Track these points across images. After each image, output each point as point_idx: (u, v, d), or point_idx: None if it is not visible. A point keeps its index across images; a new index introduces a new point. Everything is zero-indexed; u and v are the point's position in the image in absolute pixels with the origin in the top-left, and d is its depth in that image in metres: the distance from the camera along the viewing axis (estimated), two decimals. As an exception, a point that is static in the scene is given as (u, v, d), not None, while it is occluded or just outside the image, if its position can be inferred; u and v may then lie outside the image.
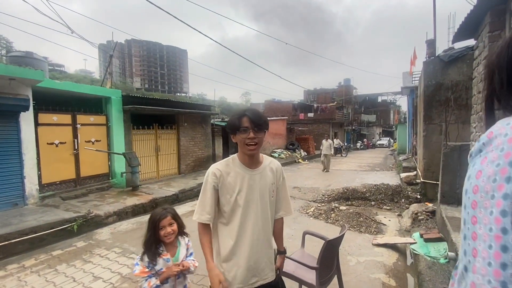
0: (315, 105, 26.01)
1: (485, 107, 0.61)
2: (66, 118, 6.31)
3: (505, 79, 0.57)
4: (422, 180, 6.15)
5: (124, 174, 7.08)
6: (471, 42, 5.18)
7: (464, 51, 5.73)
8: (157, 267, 1.69)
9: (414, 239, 3.77)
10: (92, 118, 6.87)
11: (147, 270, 1.68)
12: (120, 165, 7.21)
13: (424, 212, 4.87)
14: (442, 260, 3.10)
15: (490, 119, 0.59)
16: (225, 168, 1.42)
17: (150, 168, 8.45)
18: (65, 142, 6.25)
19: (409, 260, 3.48)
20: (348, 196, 6.46)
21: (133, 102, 7.62)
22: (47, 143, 5.88)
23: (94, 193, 6.54)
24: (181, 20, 7.85)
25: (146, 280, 1.67)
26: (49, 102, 6.06)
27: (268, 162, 1.51)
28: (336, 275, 2.46)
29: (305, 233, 2.77)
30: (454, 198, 4.41)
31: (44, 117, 5.82)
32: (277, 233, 1.61)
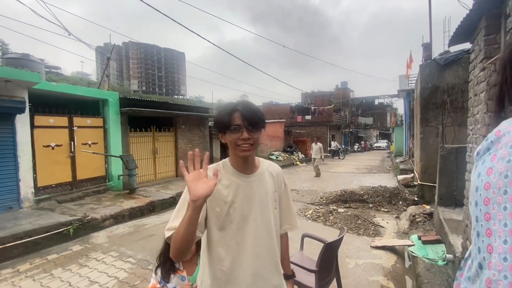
0: (313, 108, 26.10)
1: (496, 102, 0.62)
2: (63, 120, 6.26)
3: None
4: (419, 182, 6.17)
5: (121, 177, 7.03)
6: (466, 45, 5.25)
7: (460, 54, 5.79)
8: (170, 285, 1.52)
9: (412, 242, 3.77)
10: (89, 121, 6.83)
11: (158, 286, 1.52)
12: (117, 167, 7.16)
13: (421, 214, 4.89)
14: (440, 262, 3.11)
15: (499, 115, 0.60)
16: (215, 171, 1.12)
17: (147, 171, 8.40)
18: (62, 145, 6.20)
19: (408, 263, 3.48)
20: (346, 198, 6.46)
21: (131, 104, 7.59)
22: (43, 146, 5.83)
23: (91, 196, 6.48)
24: (178, 23, 7.86)
25: None
26: (46, 104, 6.02)
27: (266, 166, 1.20)
28: (335, 278, 2.46)
29: (304, 236, 2.76)
30: (451, 200, 4.43)
31: (40, 119, 5.77)
32: (282, 253, 1.25)
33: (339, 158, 19.91)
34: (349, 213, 5.35)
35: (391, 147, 26.33)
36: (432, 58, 6.34)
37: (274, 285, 1.15)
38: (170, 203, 6.48)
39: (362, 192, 6.74)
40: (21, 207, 5.22)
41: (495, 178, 0.53)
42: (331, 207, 5.85)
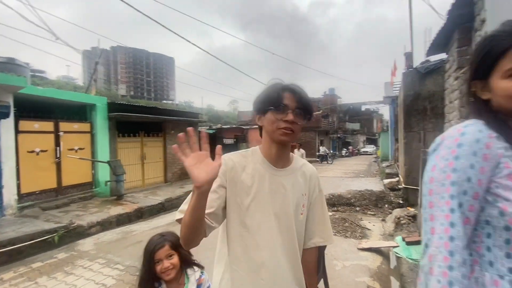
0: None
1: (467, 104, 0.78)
2: (48, 125, 6.13)
3: (472, 77, 0.72)
4: (403, 185, 6.39)
5: (109, 183, 6.91)
6: (445, 55, 5.55)
7: (439, 63, 6.10)
8: None
9: (397, 243, 3.91)
10: (76, 126, 6.71)
11: None
12: (104, 173, 7.04)
13: (406, 217, 5.06)
14: (422, 262, 3.24)
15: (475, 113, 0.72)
16: (241, 159, 0.98)
17: (135, 177, 8.28)
18: (47, 150, 6.06)
19: (393, 263, 3.60)
20: (334, 202, 6.59)
21: (119, 109, 7.52)
22: (28, 151, 5.68)
23: (77, 203, 6.33)
24: (168, 29, 7.90)
25: None
26: (31, 109, 5.89)
27: (300, 165, 1.04)
28: (322, 279, 2.53)
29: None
30: (433, 203, 4.62)
31: (25, 124, 5.64)
32: (309, 270, 1.05)
33: (327, 163, 20.21)
34: (336, 216, 5.47)
35: (377, 152, 26.97)
36: (414, 67, 6.65)
37: None
38: (158, 209, 6.41)
39: (350, 196, 6.90)
40: (4, 215, 5.04)
41: (437, 173, 0.65)
42: (320, 211, 5.95)
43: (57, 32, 7.93)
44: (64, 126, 6.41)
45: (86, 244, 4.43)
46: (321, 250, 2.44)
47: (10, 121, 5.13)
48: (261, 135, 1.02)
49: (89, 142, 7.02)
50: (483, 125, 0.65)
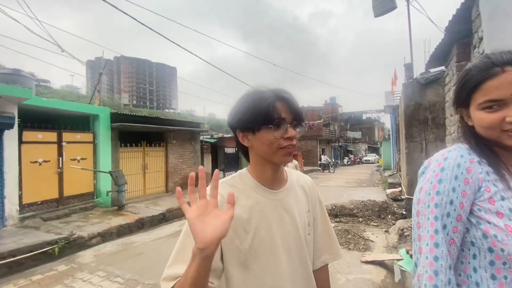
0: (305, 127, 26.52)
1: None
2: (52, 135, 6.18)
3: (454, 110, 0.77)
4: (406, 196, 6.34)
5: (110, 193, 6.90)
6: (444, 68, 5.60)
7: (439, 74, 6.15)
8: None
9: (401, 256, 3.85)
10: (78, 136, 6.76)
11: None
12: (105, 183, 7.04)
13: (410, 228, 5.00)
14: (427, 276, 3.18)
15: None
16: (230, 190, 0.74)
17: (137, 187, 8.27)
18: (49, 161, 6.08)
19: (397, 277, 3.54)
20: (337, 212, 6.53)
21: (122, 119, 7.58)
22: (30, 162, 5.71)
23: (78, 213, 6.31)
24: (171, 40, 8.05)
25: None
26: (35, 119, 5.95)
27: (296, 178, 0.93)
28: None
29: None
30: (436, 214, 4.57)
31: (28, 135, 5.69)
32: None
33: (329, 171, 20.12)
34: (339, 227, 5.40)
35: (379, 161, 26.84)
36: (414, 77, 6.70)
37: None
38: (159, 220, 6.38)
39: (352, 206, 6.84)
40: (5, 225, 5.03)
41: (422, 195, 0.69)
42: (322, 222, 5.89)
43: (62, 43, 8.08)
44: (67, 136, 6.46)
45: (87, 256, 4.39)
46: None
47: (14, 132, 5.18)
48: (245, 156, 0.87)
49: (91, 152, 7.05)
50: (465, 150, 0.69)
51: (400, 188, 8.46)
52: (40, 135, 5.92)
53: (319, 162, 22.71)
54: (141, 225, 5.93)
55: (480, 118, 0.67)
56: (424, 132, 5.71)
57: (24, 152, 5.55)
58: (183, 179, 9.89)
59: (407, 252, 3.89)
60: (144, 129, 8.39)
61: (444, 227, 0.64)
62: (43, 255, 4.21)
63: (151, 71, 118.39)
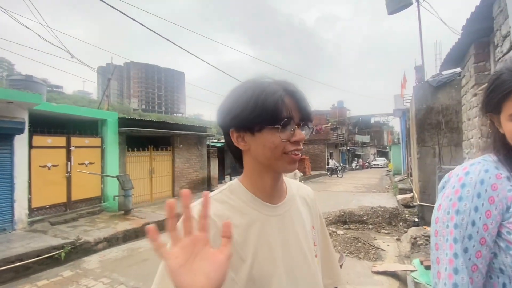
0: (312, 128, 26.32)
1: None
2: (61, 140, 6.26)
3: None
4: (419, 202, 6.12)
5: (117, 198, 6.92)
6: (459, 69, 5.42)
7: (452, 76, 5.97)
8: None
9: (414, 266, 3.68)
10: (87, 141, 6.83)
11: None
12: (113, 188, 7.07)
13: (423, 237, 4.79)
14: (443, 289, 3.01)
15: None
16: (219, 208, 0.64)
17: (143, 191, 8.29)
18: (58, 165, 6.15)
19: (410, 289, 3.37)
20: (346, 219, 6.36)
21: (129, 124, 7.64)
22: (40, 166, 5.78)
23: (85, 218, 6.33)
24: (179, 46, 8.11)
25: None
26: (45, 124, 6.04)
27: (296, 189, 0.79)
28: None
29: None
30: (451, 222, 4.38)
31: (38, 140, 5.77)
32: None
33: (337, 176, 19.83)
34: (348, 235, 5.24)
35: (389, 165, 26.33)
36: (425, 80, 6.52)
37: None
38: (165, 225, 6.33)
39: (362, 213, 6.64)
40: (15, 229, 5.08)
41: (441, 213, 0.62)
42: (330, 229, 5.74)
43: (75, 51, 8.25)
44: (75, 141, 6.53)
45: (92, 261, 4.37)
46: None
47: (24, 137, 5.26)
48: (237, 161, 0.72)
49: (99, 156, 7.10)
50: (491, 164, 0.61)
51: (411, 194, 8.21)
52: (49, 140, 6.00)
53: (326, 167, 22.43)
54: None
55: (510, 129, 0.59)
56: (437, 136, 5.52)
57: (33, 157, 5.62)
58: (190, 183, 9.88)
59: (421, 262, 3.71)
60: (151, 134, 8.43)
61: (465, 250, 0.57)
62: (50, 260, 4.21)
63: (159, 76, 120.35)
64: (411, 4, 6.78)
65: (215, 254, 0.44)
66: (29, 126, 5.39)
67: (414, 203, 7.09)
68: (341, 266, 2.31)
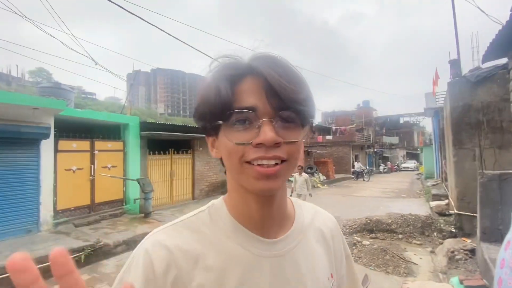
0: (334, 127, 25.52)
1: None
2: (85, 144, 6.48)
3: None
4: (456, 211, 5.50)
5: (138, 201, 7.03)
6: (499, 60, 4.80)
7: (493, 70, 5.32)
8: None
9: (453, 286, 3.22)
10: (109, 144, 7.03)
11: None
12: (134, 191, 7.20)
13: (462, 251, 4.26)
14: (490, 317, 2.57)
15: None
16: (187, 240, 0.47)
17: (164, 194, 8.38)
18: (82, 168, 6.37)
19: (448, 312, 2.94)
20: (372, 227, 5.89)
21: (150, 128, 7.78)
22: (65, 169, 6.01)
23: (107, 220, 6.49)
24: (202, 52, 8.16)
25: None
26: (71, 129, 6.29)
27: (310, 218, 0.58)
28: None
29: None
30: (496, 236, 3.81)
31: (64, 144, 6.01)
32: None
33: (363, 180, 18.91)
34: (375, 246, 4.81)
35: (420, 168, 24.74)
36: (462, 75, 5.89)
37: None
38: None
39: (390, 221, 6.12)
40: (40, 231, 5.29)
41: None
42: (355, 238, 5.33)
43: (103, 59, 8.63)
44: (99, 145, 6.74)
45: (110, 265, 4.39)
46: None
47: (50, 141, 5.49)
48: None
49: (121, 160, 7.28)
50: None
51: (446, 201, 7.46)
52: (74, 144, 6.23)
53: (352, 170, 21.51)
54: (165, 234, 5.90)
55: None
56: (477, 137, 4.92)
57: (59, 161, 5.85)
58: (209, 186, 9.87)
59: (461, 282, 3.25)
60: (171, 137, 8.52)
61: None
62: (70, 262, 4.29)
63: (184, 81, 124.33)
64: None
65: None
66: (55, 131, 5.62)
67: (451, 211, 6.41)
68: (364, 290, 2.01)
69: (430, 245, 5.03)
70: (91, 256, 4.52)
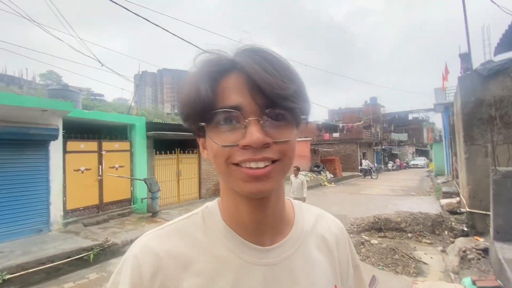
0: (341, 125, 25.23)
1: None
2: (93, 145, 6.56)
3: None
4: (468, 209, 5.35)
5: (145, 200, 7.09)
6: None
7: (506, 63, 5.15)
8: None
9: (465, 286, 3.13)
10: (116, 145, 7.10)
11: None
12: (141, 190, 7.27)
13: (474, 250, 4.13)
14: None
15: None
16: (177, 244, 0.46)
17: (171, 193, 8.44)
18: (90, 169, 6.45)
19: (461, 314, 2.86)
20: (380, 226, 5.80)
21: (156, 128, 7.83)
22: (74, 170, 6.10)
23: (115, 219, 6.56)
24: (205, 51, 8.14)
25: None
26: (79, 129, 6.38)
27: (312, 223, 0.53)
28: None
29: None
30: (511, 234, 3.69)
31: (72, 145, 6.10)
32: None
33: (371, 177, 18.66)
34: (384, 245, 4.72)
35: (430, 165, 24.27)
36: (473, 69, 5.72)
37: None
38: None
39: (399, 219, 6.01)
40: (50, 230, 5.39)
41: None
42: (363, 237, 5.25)
43: (111, 61, 8.72)
44: (106, 145, 6.82)
45: (118, 264, 4.42)
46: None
47: (59, 143, 5.57)
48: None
49: (128, 160, 7.35)
50: None
51: (458, 199, 7.28)
52: (82, 145, 6.32)
53: (359, 167, 21.25)
54: (172, 233, 5.93)
55: None
56: (489, 132, 4.77)
57: (68, 161, 5.94)
58: (216, 185, 9.88)
59: (474, 282, 3.15)
60: (177, 137, 8.55)
61: None
62: (79, 261, 4.35)
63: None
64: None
65: None
66: (63, 132, 5.70)
67: (462, 209, 6.25)
68: (372, 291, 1.96)
69: (441, 244, 4.92)
70: (99, 255, 4.58)
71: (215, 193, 9.77)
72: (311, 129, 26.61)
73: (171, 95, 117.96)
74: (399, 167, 28.94)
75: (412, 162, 32.99)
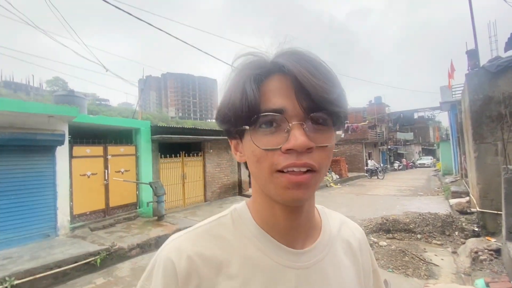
0: (346, 125, 25.05)
1: None
2: (98, 150, 6.61)
3: None
4: (478, 209, 5.23)
5: (150, 204, 7.10)
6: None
7: (515, 59, 5.03)
8: None
9: (478, 289, 3.04)
10: (122, 149, 7.14)
11: None
12: (147, 194, 7.28)
13: (486, 251, 4.03)
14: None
15: None
16: (210, 247, 0.45)
17: (176, 196, 8.44)
18: (97, 173, 6.49)
19: (475, 317, 2.77)
20: (389, 227, 5.70)
21: (161, 132, 7.85)
22: (80, 175, 6.14)
23: (122, 223, 6.58)
24: (210, 55, 8.22)
25: None
26: (84, 134, 6.43)
27: (337, 228, 0.54)
28: None
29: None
30: (525, 234, 3.59)
31: (78, 150, 6.14)
32: None
33: (377, 178, 18.46)
34: (393, 247, 4.64)
35: (437, 165, 23.94)
36: (480, 66, 5.61)
37: None
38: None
39: (408, 220, 5.91)
40: (58, 235, 5.42)
41: None
42: (372, 238, 5.16)
43: (115, 66, 8.80)
44: (111, 150, 6.86)
45: (124, 268, 4.44)
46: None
47: (65, 148, 5.62)
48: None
49: (134, 164, 7.38)
50: None
51: (467, 198, 7.14)
52: (88, 150, 6.36)
53: (365, 168, 21.05)
54: (178, 236, 5.92)
55: None
56: (499, 130, 4.66)
57: (74, 166, 5.98)
58: (221, 188, 9.88)
59: (487, 284, 3.06)
60: (182, 140, 8.58)
61: None
62: (86, 266, 4.36)
63: (194, 85, 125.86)
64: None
65: None
66: (69, 137, 5.75)
67: (472, 209, 6.12)
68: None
69: (451, 245, 4.81)
70: (106, 259, 4.58)
71: (220, 195, 9.76)
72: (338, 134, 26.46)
73: (175, 98, 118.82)
74: (406, 167, 28.61)
75: (418, 162, 32.60)
